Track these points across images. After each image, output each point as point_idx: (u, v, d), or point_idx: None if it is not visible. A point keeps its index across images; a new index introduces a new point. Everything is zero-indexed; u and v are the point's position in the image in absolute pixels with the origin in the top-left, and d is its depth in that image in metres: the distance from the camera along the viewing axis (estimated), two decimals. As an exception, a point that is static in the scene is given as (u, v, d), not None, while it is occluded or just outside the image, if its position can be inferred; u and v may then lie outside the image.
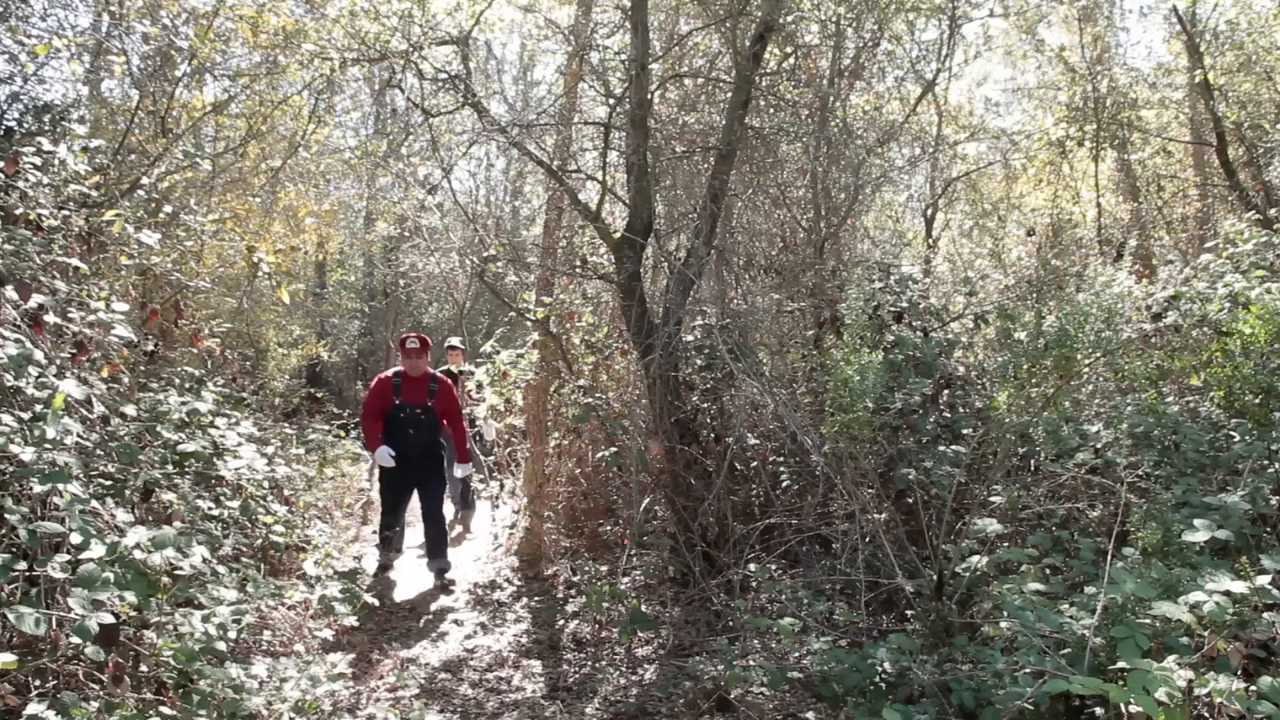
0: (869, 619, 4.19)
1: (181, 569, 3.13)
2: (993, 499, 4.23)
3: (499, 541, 7.08)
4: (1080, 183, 9.90)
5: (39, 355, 3.46)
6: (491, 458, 7.81)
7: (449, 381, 6.29)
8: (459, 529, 8.01)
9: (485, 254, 6.70)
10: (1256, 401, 3.98)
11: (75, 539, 2.74)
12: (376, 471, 6.42)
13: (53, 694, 2.75)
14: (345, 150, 9.06)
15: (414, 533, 7.02)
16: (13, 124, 4.87)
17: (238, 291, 8.85)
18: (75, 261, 4.06)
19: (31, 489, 2.92)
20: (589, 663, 4.70)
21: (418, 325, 18.24)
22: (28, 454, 2.86)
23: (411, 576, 6.41)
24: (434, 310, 17.98)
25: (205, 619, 3.14)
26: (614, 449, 5.77)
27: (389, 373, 6.16)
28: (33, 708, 2.50)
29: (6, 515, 2.78)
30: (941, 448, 4.54)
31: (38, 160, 4.28)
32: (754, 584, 4.71)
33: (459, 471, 6.74)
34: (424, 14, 5.77)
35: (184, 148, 5.85)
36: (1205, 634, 2.60)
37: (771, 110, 6.53)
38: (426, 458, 6.13)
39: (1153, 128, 9.62)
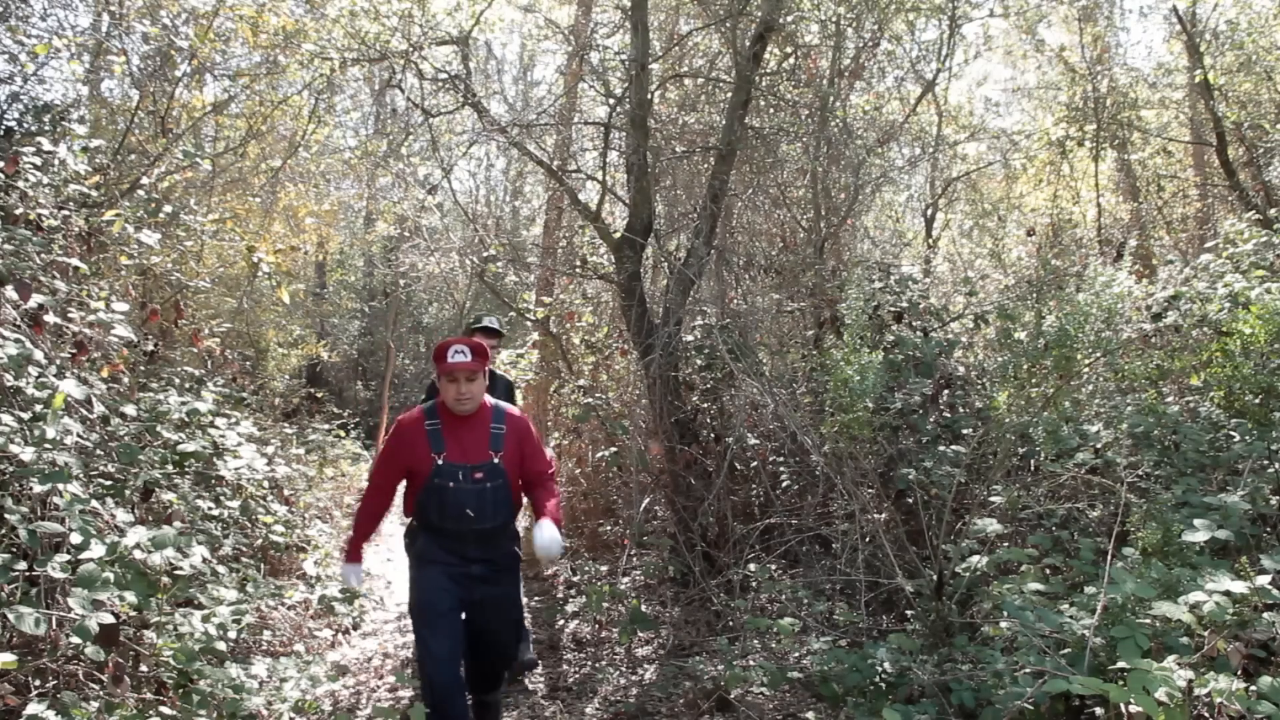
0: (869, 619, 4.19)
1: (181, 569, 3.13)
2: (993, 499, 4.23)
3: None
4: (1080, 183, 9.89)
5: (39, 355, 3.46)
6: None
7: (523, 418, 3.55)
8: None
9: (485, 254, 6.71)
10: (1256, 401, 3.98)
11: (75, 539, 2.74)
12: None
13: (53, 694, 2.75)
14: (345, 150, 9.06)
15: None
16: (13, 124, 4.87)
17: (238, 291, 8.85)
18: (75, 261, 4.06)
19: (31, 489, 2.92)
20: (589, 663, 4.70)
21: (418, 325, 18.16)
22: (28, 454, 2.86)
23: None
24: (434, 310, 17.96)
25: (205, 619, 3.14)
26: (614, 449, 5.78)
27: (414, 411, 3.48)
28: (33, 708, 2.50)
29: (6, 515, 2.78)
30: (941, 448, 4.54)
31: (38, 160, 4.28)
32: (754, 584, 4.71)
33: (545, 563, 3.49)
34: (424, 14, 5.78)
35: (184, 148, 5.85)
36: (1205, 634, 2.60)
37: (771, 110, 6.53)
38: (495, 569, 3.44)
39: (1153, 128, 9.62)
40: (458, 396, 3.31)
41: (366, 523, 3.56)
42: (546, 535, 3.26)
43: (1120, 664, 2.42)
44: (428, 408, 3.44)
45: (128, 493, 3.56)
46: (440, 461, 3.32)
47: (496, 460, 3.36)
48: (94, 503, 3.04)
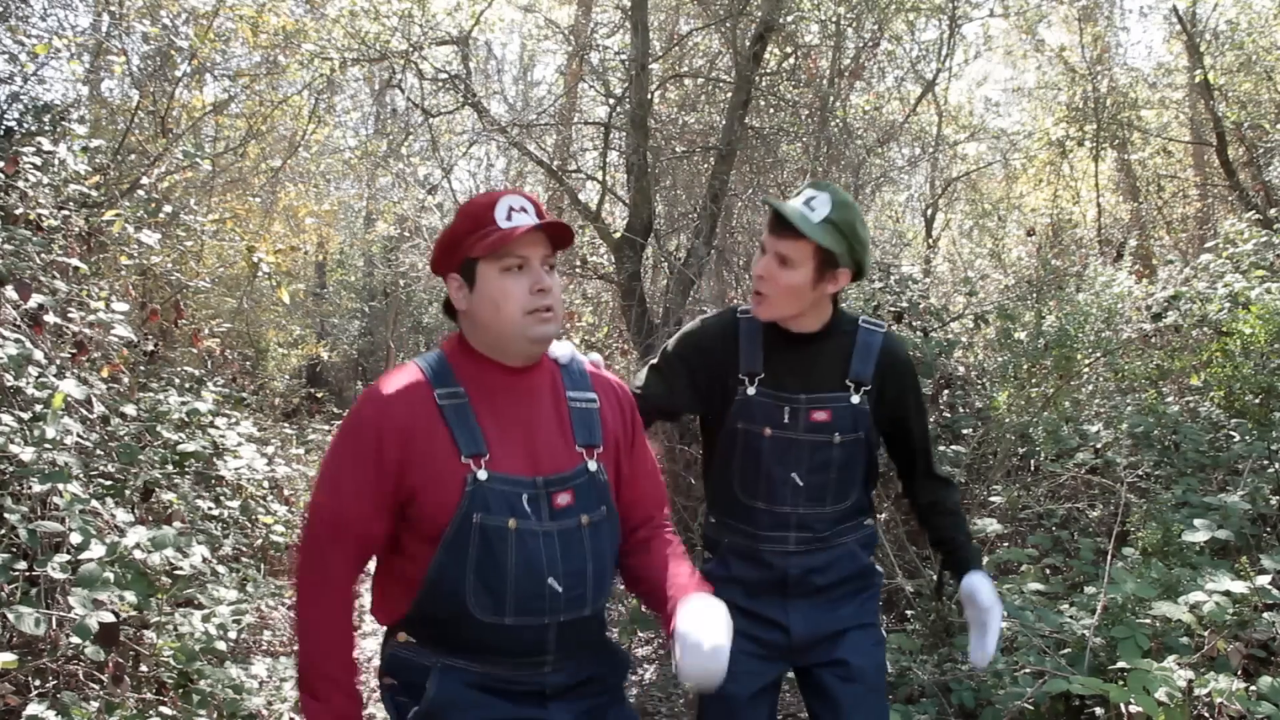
0: (869, 619, 4.18)
1: (181, 569, 3.13)
2: (993, 499, 4.23)
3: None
4: (1080, 183, 9.90)
5: (39, 355, 3.46)
6: None
7: (617, 380, 1.66)
8: None
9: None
10: (1256, 401, 3.98)
11: (75, 539, 2.74)
12: None
13: (53, 694, 2.75)
14: (345, 150, 9.06)
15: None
16: (13, 124, 4.86)
17: (238, 291, 8.84)
18: (75, 261, 4.06)
19: (31, 489, 2.92)
20: (589, 663, 4.69)
21: (418, 325, 18.18)
22: (28, 454, 2.86)
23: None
24: (434, 310, 17.95)
25: (205, 619, 3.14)
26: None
27: (401, 372, 1.48)
28: (33, 708, 2.50)
29: (6, 515, 2.78)
30: (941, 448, 4.54)
31: (38, 160, 4.28)
32: (754, 584, 4.70)
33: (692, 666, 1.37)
34: (424, 14, 5.78)
35: (184, 148, 5.84)
36: (1205, 634, 2.60)
37: (771, 110, 6.53)
38: (604, 703, 1.62)
39: (1153, 128, 9.62)
40: (532, 303, 1.43)
41: (325, 593, 1.50)
42: (704, 644, 1.36)
43: (1120, 664, 2.42)
44: (431, 366, 1.50)
45: (128, 493, 3.56)
46: (481, 473, 1.43)
47: (594, 466, 1.55)
48: (94, 503, 3.04)
